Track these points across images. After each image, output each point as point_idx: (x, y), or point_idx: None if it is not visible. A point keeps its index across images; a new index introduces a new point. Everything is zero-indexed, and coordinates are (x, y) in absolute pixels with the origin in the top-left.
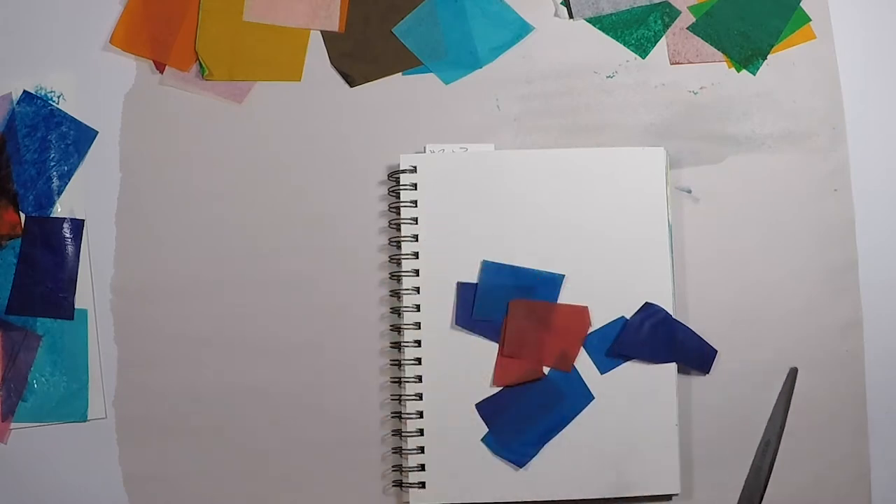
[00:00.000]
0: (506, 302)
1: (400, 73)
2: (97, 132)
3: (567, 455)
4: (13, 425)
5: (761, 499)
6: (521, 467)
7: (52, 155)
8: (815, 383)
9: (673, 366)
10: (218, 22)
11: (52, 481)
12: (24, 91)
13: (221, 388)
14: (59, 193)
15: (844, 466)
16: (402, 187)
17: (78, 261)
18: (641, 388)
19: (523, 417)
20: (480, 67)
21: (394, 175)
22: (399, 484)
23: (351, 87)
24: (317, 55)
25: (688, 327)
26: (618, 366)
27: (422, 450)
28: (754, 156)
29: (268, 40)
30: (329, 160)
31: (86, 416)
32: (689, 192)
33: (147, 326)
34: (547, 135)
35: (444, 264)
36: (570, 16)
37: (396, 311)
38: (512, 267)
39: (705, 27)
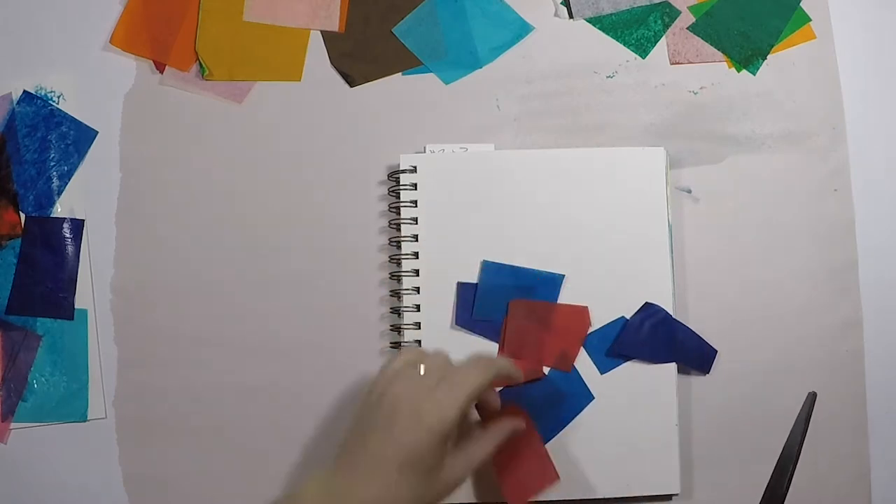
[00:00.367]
0: (506, 302)
1: (400, 73)
2: (97, 132)
3: (567, 455)
4: (13, 425)
5: None
6: None
7: (52, 155)
8: (815, 383)
9: (673, 366)
10: (218, 22)
11: (52, 481)
12: (24, 91)
13: (221, 388)
14: (59, 193)
15: (844, 466)
16: (402, 187)
17: (78, 261)
18: (641, 388)
19: None
20: (480, 67)
21: (394, 175)
22: None
23: (351, 87)
24: (317, 55)
25: (688, 327)
26: (618, 366)
27: None
28: (754, 156)
29: (268, 40)
30: (329, 160)
31: (86, 416)
32: (689, 192)
33: (147, 326)
34: (547, 135)
35: (444, 264)
36: (570, 16)
37: (396, 311)
38: (512, 267)
39: (705, 27)
